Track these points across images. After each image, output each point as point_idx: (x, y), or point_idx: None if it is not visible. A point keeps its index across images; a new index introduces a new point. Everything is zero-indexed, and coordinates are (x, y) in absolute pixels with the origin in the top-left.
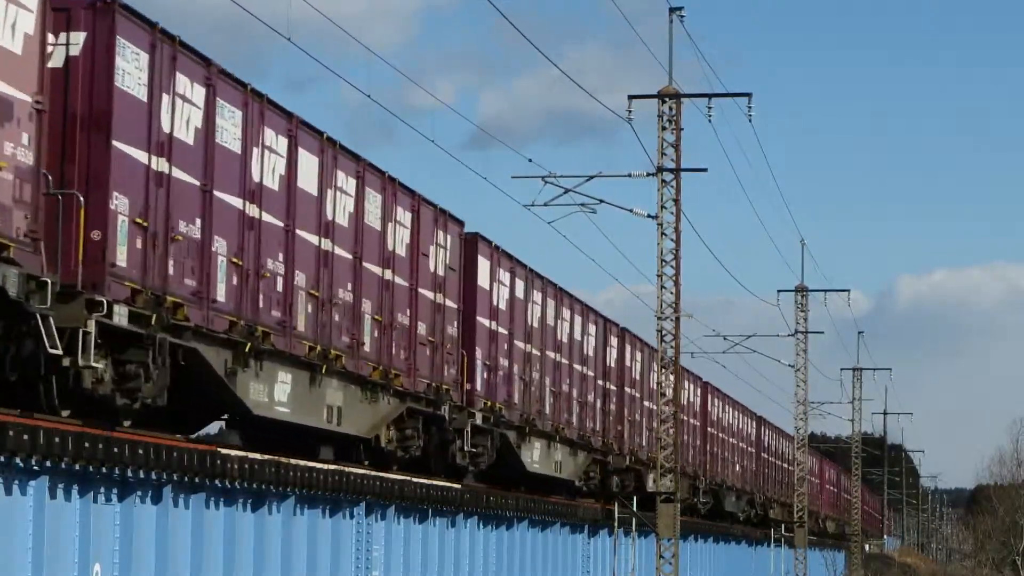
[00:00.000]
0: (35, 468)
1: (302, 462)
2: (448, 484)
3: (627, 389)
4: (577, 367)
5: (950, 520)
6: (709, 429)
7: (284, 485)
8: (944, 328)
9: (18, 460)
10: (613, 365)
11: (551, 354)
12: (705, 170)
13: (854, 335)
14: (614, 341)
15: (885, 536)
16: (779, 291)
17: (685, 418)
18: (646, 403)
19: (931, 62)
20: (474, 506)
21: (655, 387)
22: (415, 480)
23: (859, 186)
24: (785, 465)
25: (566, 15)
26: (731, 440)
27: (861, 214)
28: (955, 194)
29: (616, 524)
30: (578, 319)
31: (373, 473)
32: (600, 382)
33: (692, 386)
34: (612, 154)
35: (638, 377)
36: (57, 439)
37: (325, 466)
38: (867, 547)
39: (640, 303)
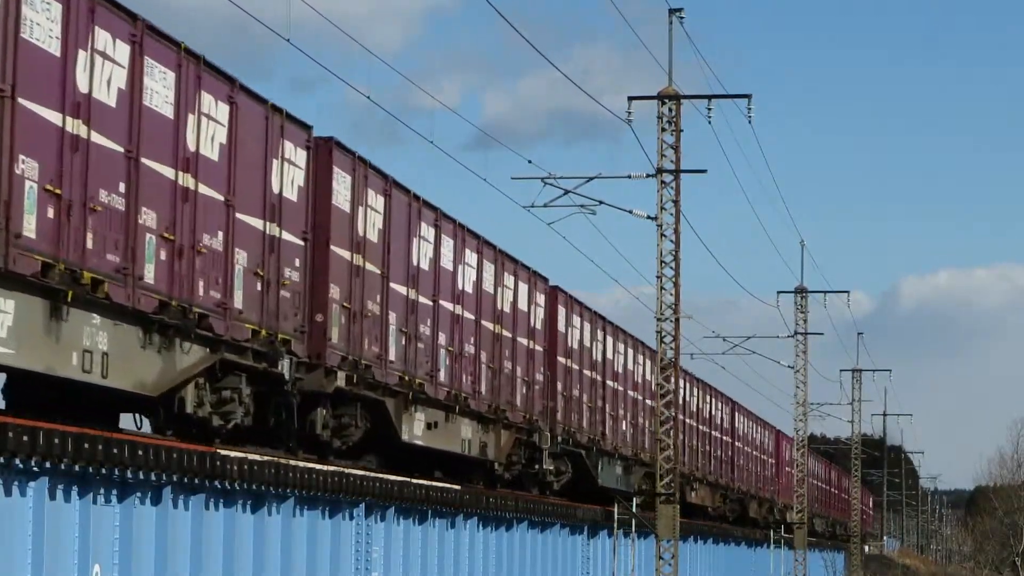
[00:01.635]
0: (35, 469)
1: (301, 463)
2: (448, 485)
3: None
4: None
5: (950, 521)
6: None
7: (284, 486)
8: (946, 329)
9: (18, 461)
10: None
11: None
12: (705, 171)
13: (854, 336)
14: (540, 299)
15: (884, 537)
16: (779, 292)
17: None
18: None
19: (934, 62)
20: (474, 507)
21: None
22: (415, 481)
23: (863, 186)
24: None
25: (574, 16)
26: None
27: (865, 215)
28: (960, 195)
29: (616, 525)
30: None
31: (373, 474)
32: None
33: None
34: (617, 155)
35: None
36: (57, 440)
37: (324, 467)
38: (867, 548)
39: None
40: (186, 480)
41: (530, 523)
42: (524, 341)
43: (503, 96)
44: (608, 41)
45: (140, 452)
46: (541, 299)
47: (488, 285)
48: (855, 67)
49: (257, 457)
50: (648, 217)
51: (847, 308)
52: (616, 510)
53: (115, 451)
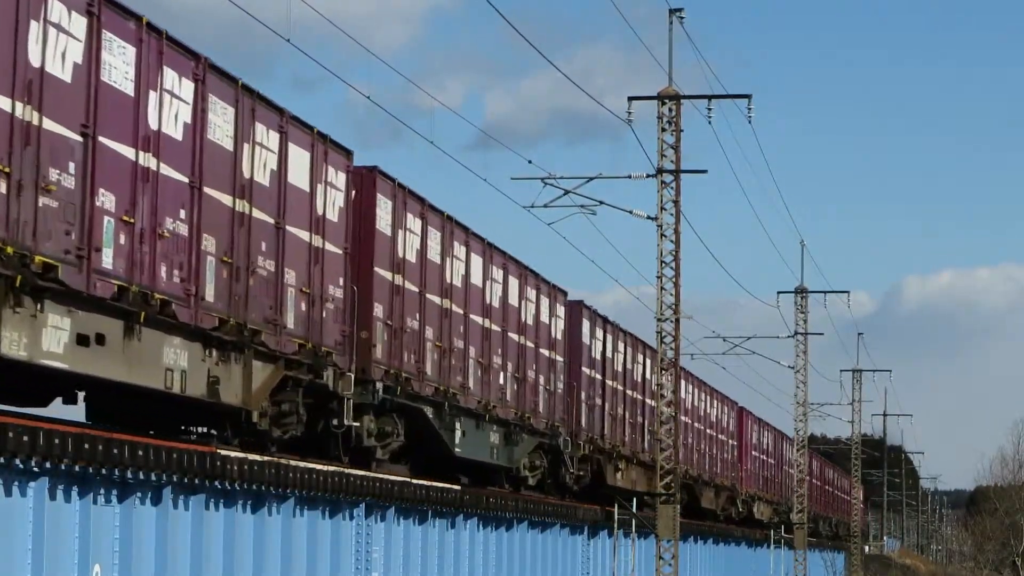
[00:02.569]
0: (35, 469)
1: (302, 463)
2: (448, 485)
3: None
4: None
5: (950, 522)
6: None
7: (284, 486)
8: (947, 329)
9: (18, 461)
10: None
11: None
12: (705, 171)
13: (854, 336)
14: (561, 311)
15: (885, 537)
16: (779, 292)
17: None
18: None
19: (934, 62)
20: (474, 507)
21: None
22: (415, 481)
23: (864, 186)
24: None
25: (577, 16)
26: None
27: (867, 214)
28: (964, 195)
29: (616, 525)
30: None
31: (373, 474)
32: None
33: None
34: (619, 155)
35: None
36: (57, 440)
37: (325, 467)
38: (867, 548)
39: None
40: (186, 480)
41: (530, 523)
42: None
43: (506, 96)
44: (611, 41)
45: (140, 452)
46: (561, 311)
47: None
48: (855, 67)
49: (257, 457)
50: (648, 217)
51: (847, 308)
52: (616, 510)
53: (115, 451)
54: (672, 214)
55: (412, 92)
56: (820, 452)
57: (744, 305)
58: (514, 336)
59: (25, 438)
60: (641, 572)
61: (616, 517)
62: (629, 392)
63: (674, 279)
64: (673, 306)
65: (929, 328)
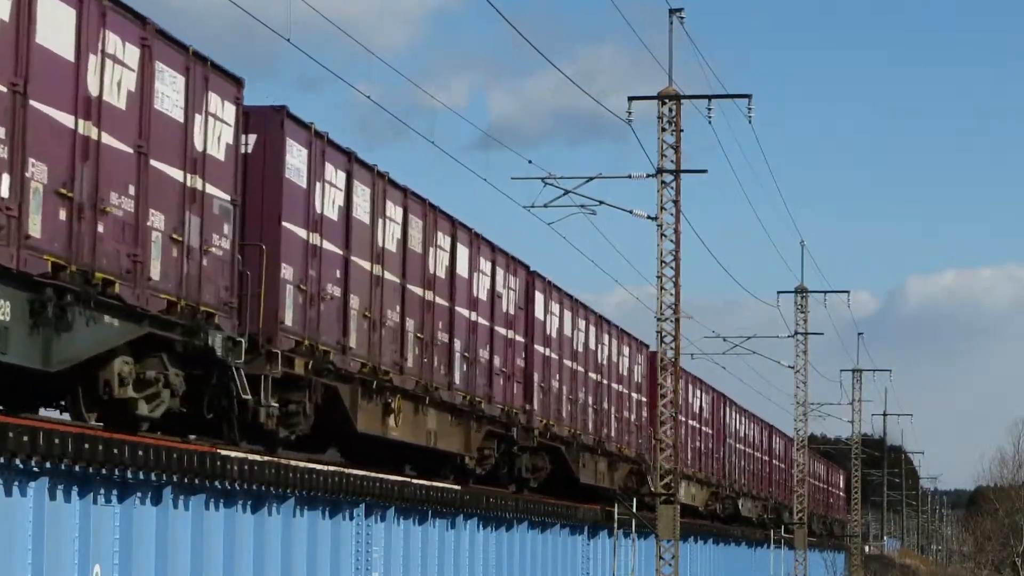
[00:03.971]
0: (35, 469)
1: (302, 463)
2: (448, 485)
3: (543, 349)
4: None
5: (950, 522)
6: (773, 461)
7: (284, 486)
8: (948, 329)
9: (18, 461)
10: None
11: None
12: (705, 171)
13: (854, 336)
14: (516, 283)
15: (885, 537)
16: (779, 292)
17: (704, 428)
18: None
19: (934, 62)
20: (474, 507)
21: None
22: (415, 481)
23: (865, 186)
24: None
25: (581, 16)
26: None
27: (870, 214)
28: (967, 195)
29: (616, 525)
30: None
31: (373, 474)
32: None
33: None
34: (622, 155)
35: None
36: (57, 440)
37: (325, 467)
38: (867, 548)
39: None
40: (186, 480)
41: (530, 523)
42: (502, 330)
43: (509, 96)
44: (614, 41)
45: (140, 452)
46: (516, 283)
47: (462, 269)
48: (855, 67)
49: (257, 457)
50: (648, 217)
51: (848, 308)
52: (616, 510)
53: (115, 451)
54: (672, 214)
55: (416, 92)
56: (820, 452)
57: (744, 305)
58: (463, 311)
59: (25, 438)
60: (641, 572)
61: (616, 517)
62: (592, 375)
63: (674, 279)
64: (673, 306)
65: (930, 328)
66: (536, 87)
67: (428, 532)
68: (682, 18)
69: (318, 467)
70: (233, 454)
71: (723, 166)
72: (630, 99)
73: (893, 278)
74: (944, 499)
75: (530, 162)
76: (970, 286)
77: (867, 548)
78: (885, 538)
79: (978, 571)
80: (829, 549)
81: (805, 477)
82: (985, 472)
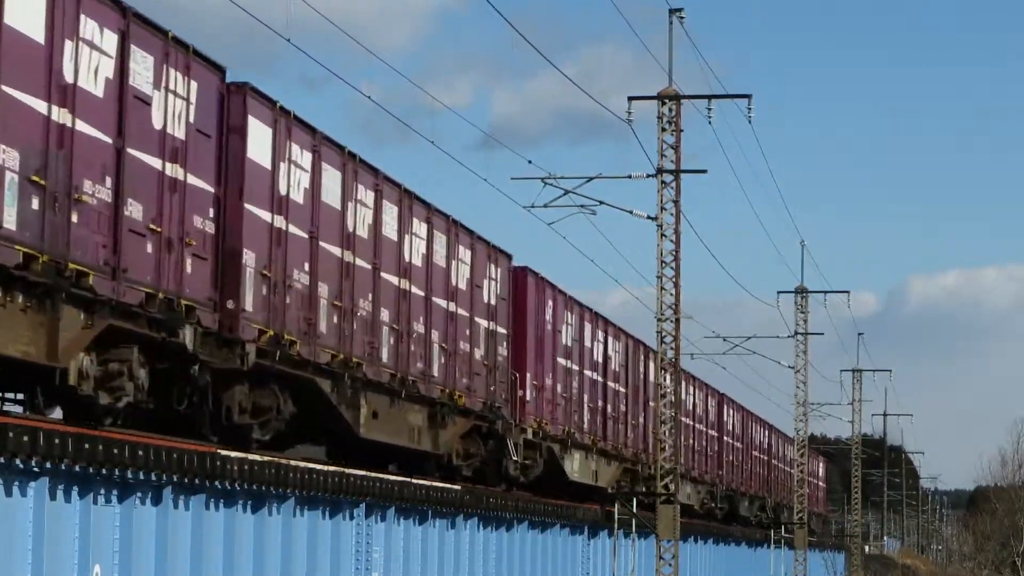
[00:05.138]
0: (35, 469)
1: (302, 463)
2: (448, 485)
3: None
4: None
5: (950, 522)
6: (773, 462)
7: (284, 486)
8: (949, 329)
9: (18, 461)
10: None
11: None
12: (705, 171)
13: (855, 336)
14: (500, 275)
15: (885, 537)
16: (779, 292)
17: (698, 425)
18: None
19: (934, 62)
20: (474, 507)
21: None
22: (415, 481)
23: (866, 186)
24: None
25: (583, 17)
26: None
27: (872, 214)
28: (968, 195)
29: (616, 525)
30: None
31: (373, 474)
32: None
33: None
34: (623, 155)
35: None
36: (57, 440)
37: (325, 467)
38: (867, 548)
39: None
40: (186, 480)
41: (530, 523)
42: (483, 321)
43: (512, 96)
44: (616, 42)
45: (140, 452)
46: (501, 275)
47: (439, 258)
48: (855, 67)
49: (257, 457)
50: (648, 217)
51: (848, 308)
52: (616, 510)
53: (115, 451)
54: (672, 214)
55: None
56: (820, 452)
57: (744, 305)
58: (441, 301)
59: (25, 438)
60: (641, 572)
61: (616, 517)
62: (587, 372)
63: (674, 279)
64: (673, 306)
65: (931, 328)
66: (538, 87)
67: (428, 532)
68: (682, 18)
69: (318, 467)
70: (233, 454)
71: (723, 166)
72: (630, 99)
73: (894, 278)
74: (944, 499)
75: (530, 162)
76: (971, 286)
77: (867, 548)
78: (885, 538)
79: (978, 571)
80: (829, 549)
81: (805, 477)
82: (985, 472)
